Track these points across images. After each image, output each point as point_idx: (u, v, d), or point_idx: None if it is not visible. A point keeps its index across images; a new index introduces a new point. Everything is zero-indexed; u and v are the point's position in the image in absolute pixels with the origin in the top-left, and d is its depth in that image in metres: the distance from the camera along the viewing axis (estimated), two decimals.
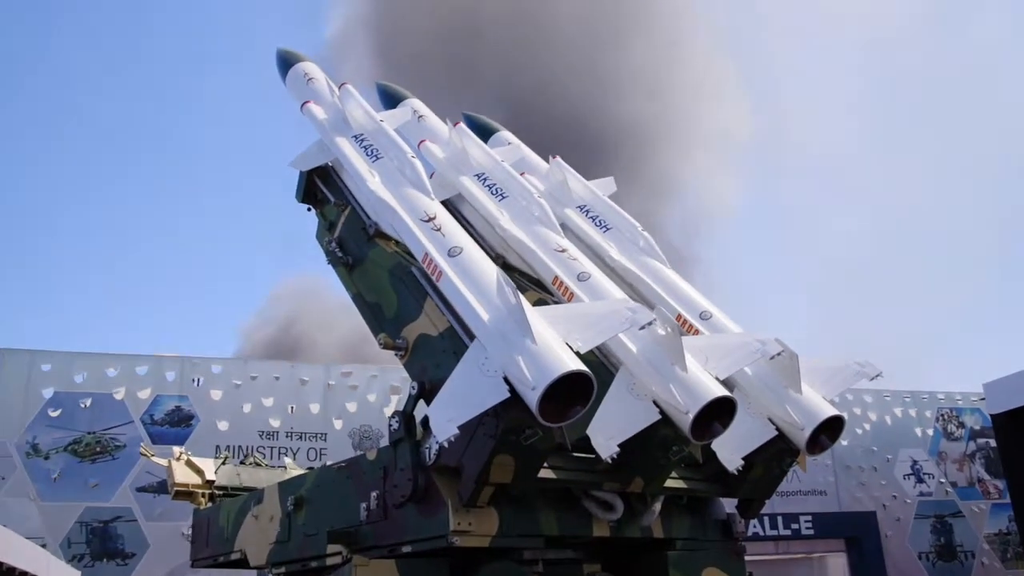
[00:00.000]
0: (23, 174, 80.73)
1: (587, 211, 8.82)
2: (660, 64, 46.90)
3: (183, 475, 11.70)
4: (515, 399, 5.37)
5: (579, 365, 5.34)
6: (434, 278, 6.63)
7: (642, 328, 6.00)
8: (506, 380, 5.40)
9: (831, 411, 6.87)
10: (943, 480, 34.77)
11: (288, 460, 15.32)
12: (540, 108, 42.61)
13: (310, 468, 12.76)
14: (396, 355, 7.01)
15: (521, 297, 5.76)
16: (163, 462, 12.37)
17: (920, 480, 34.44)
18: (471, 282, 6.28)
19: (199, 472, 11.77)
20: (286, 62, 10.17)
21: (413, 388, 6.60)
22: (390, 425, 6.68)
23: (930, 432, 35.39)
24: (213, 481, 11.67)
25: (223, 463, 12.11)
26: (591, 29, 45.85)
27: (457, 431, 5.29)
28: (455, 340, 6.36)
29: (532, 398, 5.22)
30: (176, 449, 12.36)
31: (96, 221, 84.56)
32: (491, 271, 6.42)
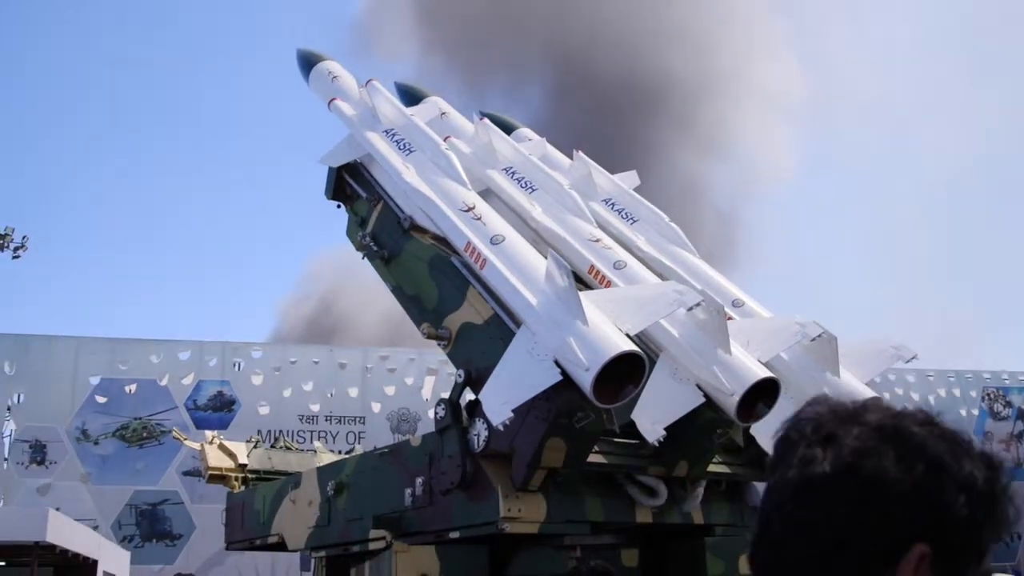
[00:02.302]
0: (62, 163, 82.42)
1: (612, 204, 8.85)
2: (710, 21, 46.23)
3: (216, 459, 11.96)
4: (567, 382, 5.45)
5: (631, 346, 5.44)
6: (477, 266, 6.68)
7: (690, 309, 6.07)
8: (556, 364, 5.47)
9: (869, 393, 6.88)
10: None
11: (318, 444, 15.57)
12: (588, 64, 42.24)
13: (340, 452, 12.95)
14: (439, 344, 7.08)
15: (572, 280, 5.80)
16: (196, 446, 12.61)
17: None
18: (516, 268, 6.34)
19: (232, 456, 12.02)
20: (308, 62, 10.18)
21: (459, 376, 6.65)
22: (436, 413, 6.74)
23: (975, 412, 34.79)
24: (246, 465, 11.91)
25: (255, 447, 12.36)
26: None
27: (512, 414, 5.37)
28: (501, 327, 6.43)
29: (586, 379, 5.30)
30: (208, 433, 12.63)
31: (134, 207, 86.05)
32: (534, 257, 6.48)
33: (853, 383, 6.95)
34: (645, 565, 7.21)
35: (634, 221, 8.64)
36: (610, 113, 41.40)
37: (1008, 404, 35.52)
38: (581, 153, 9.24)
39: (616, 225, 8.60)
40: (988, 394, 35.36)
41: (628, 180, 9.34)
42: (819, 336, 6.79)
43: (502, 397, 5.49)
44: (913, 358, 7.49)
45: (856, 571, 1.07)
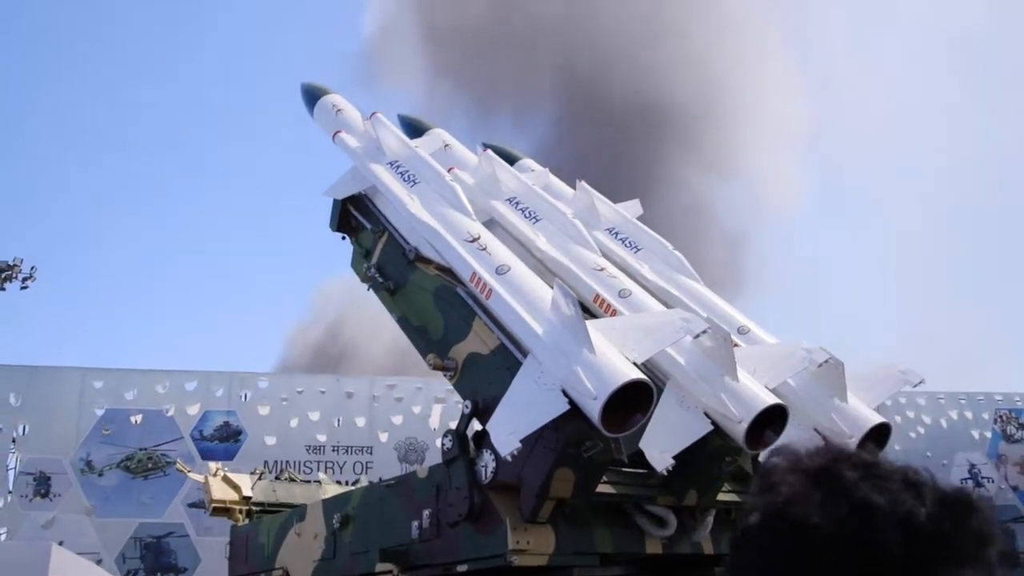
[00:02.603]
0: (69, 194, 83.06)
1: (616, 233, 8.88)
2: (718, 46, 46.60)
3: (220, 491, 11.83)
4: (574, 411, 5.44)
5: (639, 374, 5.44)
6: (483, 296, 6.70)
7: (696, 336, 6.05)
8: (564, 393, 5.45)
9: (877, 419, 6.86)
10: (1004, 484, 33.83)
11: (322, 476, 15.49)
12: (596, 87, 42.49)
13: (345, 483, 12.88)
14: (445, 375, 7.07)
15: (579, 309, 5.80)
16: (200, 478, 12.50)
17: (979, 484, 33.49)
18: (522, 298, 6.36)
19: (236, 488, 11.88)
20: (312, 95, 10.30)
21: (466, 407, 6.60)
22: (442, 444, 6.72)
23: (988, 434, 34.46)
24: (250, 497, 11.77)
25: (259, 479, 12.25)
26: (648, 13, 45.67)
27: (520, 444, 5.35)
28: (507, 357, 6.42)
29: (594, 408, 5.29)
30: (212, 465, 12.52)
31: (140, 238, 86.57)
32: (540, 287, 6.51)
33: (861, 408, 6.93)
34: None
35: (638, 250, 8.68)
36: (618, 136, 41.65)
37: (1021, 426, 35.15)
38: (584, 183, 9.31)
39: (620, 254, 8.64)
40: (1001, 416, 35.03)
41: (631, 209, 9.40)
42: (826, 362, 6.78)
43: (510, 427, 5.48)
44: (920, 383, 7.50)
45: None
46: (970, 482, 33.37)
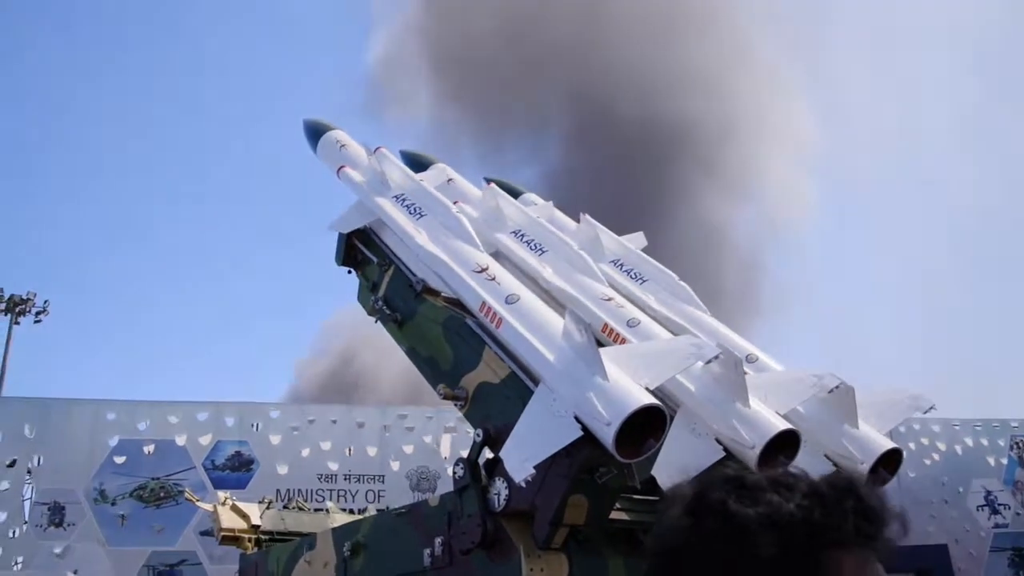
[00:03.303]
0: (82, 229, 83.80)
1: (621, 265, 8.92)
2: (731, 66, 46.64)
3: (229, 520, 11.83)
4: (588, 437, 5.48)
5: (652, 399, 5.49)
6: (493, 326, 6.76)
7: (708, 362, 6.08)
8: (577, 419, 5.50)
9: (889, 444, 6.86)
10: (1020, 511, 33.36)
11: (331, 504, 15.45)
12: (607, 109, 42.51)
13: (355, 512, 12.84)
14: (456, 405, 7.12)
15: (592, 335, 5.85)
16: (209, 507, 12.50)
17: (995, 511, 33.06)
18: (533, 326, 6.43)
19: (245, 517, 11.91)
20: (315, 131, 10.41)
21: (477, 436, 6.65)
22: (454, 473, 6.75)
23: (1004, 461, 34.08)
24: (259, 526, 11.78)
25: (268, 508, 12.26)
26: (656, 27, 45.74)
27: (534, 471, 5.41)
28: (518, 386, 6.47)
29: (608, 434, 5.33)
30: (221, 494, 12.52)
31: (151, 271, 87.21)
32: (550, 315, 6.57)
33: (872, 434, 6.92)
34: None
35: (643, 281, 8.71)
36: (631, 158, 41.62)
37: None
38: (587, 216, 9.38)
39: (626, 285, 8.66)
40: (1017, 443, 34.62)
41: (636, 241, 9.45)
42: (836, 388, 6.78)
43: (523, 454, 5.54)
44: (931, 408, 7.44)
45: None
46: (986, 509, 32.98)
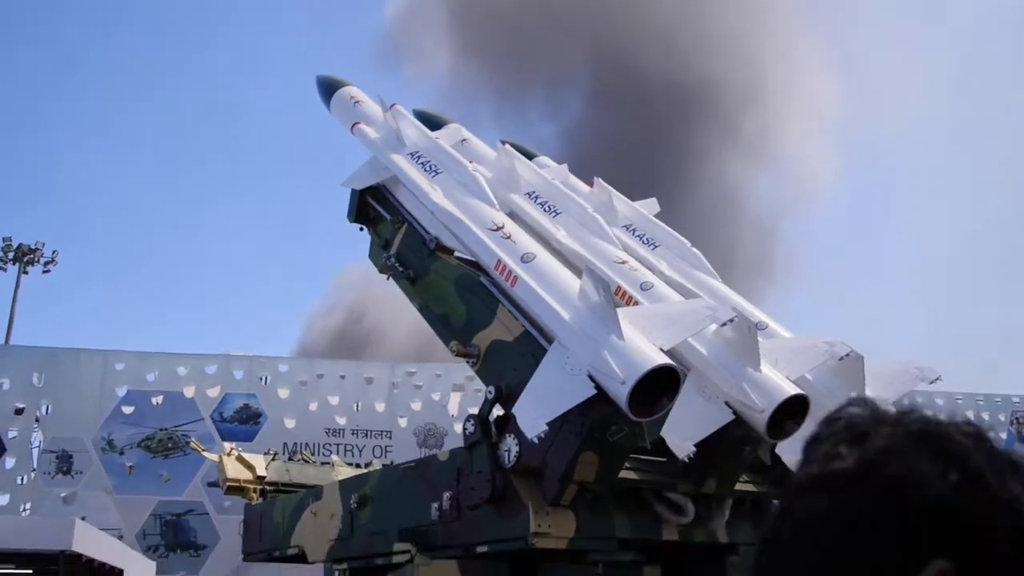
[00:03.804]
0: (92, 180, 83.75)
1: (633, 230, 8.87)
2: (753, 30, 45.95)
3: (235, 470, 11.97)
4: (601, 396, 5.52)
5: (666, 359, 5.51)
6: (508, 284, 6.76)
7: (723, 325, 6.10)
8: (591, 378, 5.54)
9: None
10: None
11: (335, 457, 15.59)
12: (630, 67, 42.00)
13: (360, 466, 12.97)
14: (468, 362, 7.14)
15: (610, 294, 5.86)
16: (214, 458, 12.63)
17: None
18: (548, 285, 6.42)
19: (250, 468, 12.02)
20: (328, 88, 10.28)
21: (489, 393, 6.68)
22: (464, 428, 6.79)
23: (1003, 436, 34.29)
24: (264, 477, 11.91)
25: (273, 459, 12.39)
26: None
27: (547, 427, 5.44)
28: (532, 344, 6.49)
29: (622, 392, 5.36)
30: (227, 445, 12.66)
31: (161, 222, 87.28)
32: (566, 274, 6.56)
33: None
34: None
35: (655, 246, 8.66)
36: (652, 117, 41.13)
37: None
38: (600, 180, 9.32)
39: (637, 250, 8.61)
40: (1017, 418, 34.84)
41: (648, 207, 9.39)
42: (847, 355, 6.78)
43: (536, 411, 5.57)
44: (936, 379, 7.42)
45: None
46: None
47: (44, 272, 37.65)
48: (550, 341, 6.20)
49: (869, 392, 6.91)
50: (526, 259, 6.78)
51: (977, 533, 0.94)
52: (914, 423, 1.01)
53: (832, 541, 0.97)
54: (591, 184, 9.45)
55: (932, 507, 0.94)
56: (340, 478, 10.33)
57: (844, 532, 0.97)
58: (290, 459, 13.26)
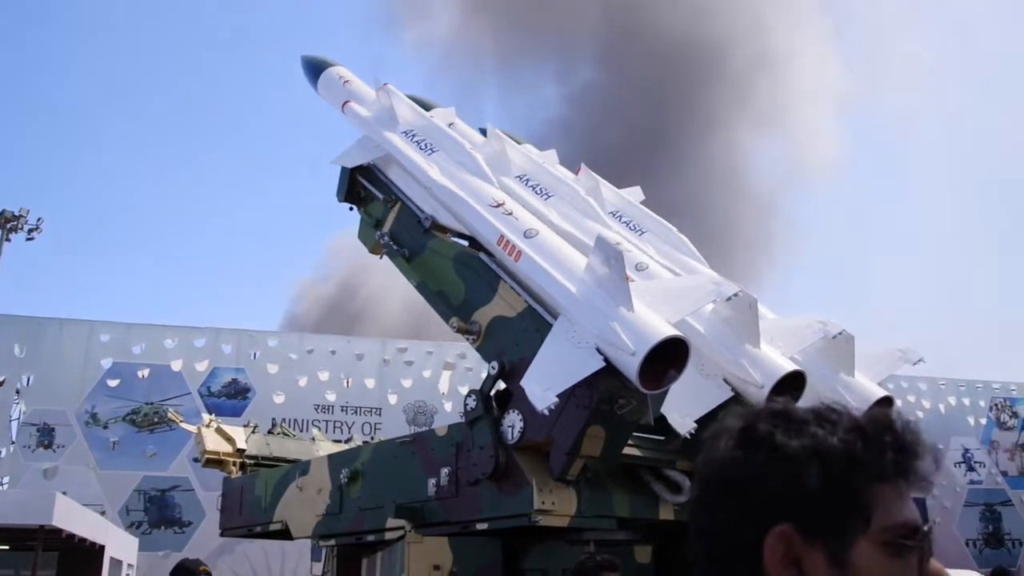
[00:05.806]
0: (79, 147, 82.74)
1: (620, 216, 8.88)
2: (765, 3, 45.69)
3: (214, 442, 11.64)
4: (608, 369, 5.52)
5: (676, 331, 5.51)
6: (512, 259, 6.73)
7: (728, 299, 6.13)
8: (599, 351, 5.54)
9: (880, 392, 6.99)
10: (994, 469, 34.23)
11: (316, 431, 15.38)
12: (639, 24, 41.56)
13: (343, 442, 12.78)
14: (468, 339, 7.12)
15: (622, 264, 5.85)
16: (193, 429, 12.29)
17: (971, 468, 33.91)
18: (552, 260, 6.41)
19: (230, 440, 11.73)
20: (314, 68, 10.11)
21: (492, 368, 6.63)
22: (466, 404, 6.74)
23: (983, 421, 34.82)
24: (244, 450, 11.64)
25: (253, 432, 12.13)
26: None
27: (556, 399, 5.44)
28: (536, 319, 6.48)
29: (632, 364, 5.37)
30: (206, 416, 12.37)
31: (149, 191, 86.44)
32: (568, 249, 6.54)
33: (866, 383, 7.03)
34: (659, 562, 7.22)
35: (642, 232, 8.69)
36: (660, 79, 40.75)
37: (1015, 415, 35.57)
38: (586, 167, 9.31)
39: (625, 236, 8.64)
40: (996, 404, 35.40)
41: (634, 195, 9.40)
42: (840, 334, 6.87)
43: (545, 384, 5.55)
44: (919, 361, 7.52)
45: (739, 566, 1.16)
46: (963, 466, 33.80)
47: (28, 239, 37.07)
48: (555, 316, 6.18)
49: (859, 373, 6.98)
50: (529, 235, 6.76)
51: (793, 490, 1.13)
52: (737, 425, 1.24)
53: (707, 541, 1.24)
54: (576, 172, 9.43)
55: (746, 489, 1.17)
56: (322, 453, 10.16)
57: (710, 533, 1.23)
58: (270, 432, 12.97)
